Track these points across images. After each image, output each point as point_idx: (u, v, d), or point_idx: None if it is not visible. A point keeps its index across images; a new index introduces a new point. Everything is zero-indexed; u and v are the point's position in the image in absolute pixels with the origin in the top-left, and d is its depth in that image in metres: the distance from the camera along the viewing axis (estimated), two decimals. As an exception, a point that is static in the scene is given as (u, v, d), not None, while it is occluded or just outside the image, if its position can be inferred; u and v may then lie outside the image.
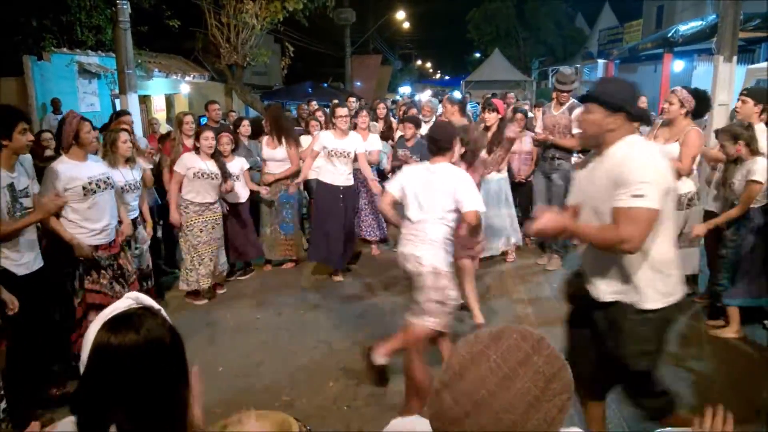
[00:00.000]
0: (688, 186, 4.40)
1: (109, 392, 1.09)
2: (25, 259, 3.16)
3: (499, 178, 5.77)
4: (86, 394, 1.12)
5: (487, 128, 5.38)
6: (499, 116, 5.37)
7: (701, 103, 4.43)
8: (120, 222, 3.98)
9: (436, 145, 3.24)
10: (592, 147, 2.43)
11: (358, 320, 4.62)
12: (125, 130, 4.50)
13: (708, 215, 4.40)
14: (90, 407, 1.11)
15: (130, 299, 1.21)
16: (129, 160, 4.38)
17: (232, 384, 3.64)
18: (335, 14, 17.36)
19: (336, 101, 5.40)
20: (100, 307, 3.46)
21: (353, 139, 5.52)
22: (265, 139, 5.89)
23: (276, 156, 5.77)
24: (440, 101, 9.35)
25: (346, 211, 5.54)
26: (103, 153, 4.31)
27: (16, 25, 10.08)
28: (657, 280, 2.27)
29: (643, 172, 2.14)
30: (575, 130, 5.35)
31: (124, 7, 7.71)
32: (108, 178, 3.78)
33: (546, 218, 2.20)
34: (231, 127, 6.44)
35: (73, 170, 3.57)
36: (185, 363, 1.18)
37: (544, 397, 0.87)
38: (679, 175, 4.39)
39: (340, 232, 5.46)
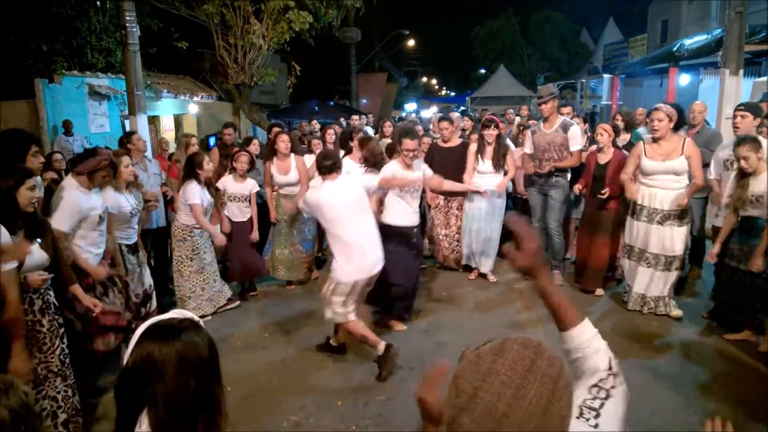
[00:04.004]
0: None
1: (146, 391, 1.18)
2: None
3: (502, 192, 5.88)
4: (125, 390, 1.21)
5: (487, 144, 5.76)
6: (498, 132, 5.74)
7: (681, 116, 4.59)
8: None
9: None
10: None
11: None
12: (127, 154, 4.49)
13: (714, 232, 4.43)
14: (127, 402, 1.21)
15: (174, 313, 1.31)
16: (129, 185, 4.35)
17: (239, 404, 3.61)
18: (340, 33, 17.55)
19: (407, 129, 4.70)
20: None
21: (419, 165, 4.84)
22: (275, 162, 5.76)
23: (290, 180, 5.77)
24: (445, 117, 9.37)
25: (418, 254, 4.96)
26: None
27: (28, 50, 10.28)
28: None
29: None
30: (573, 147, 5.43)
31: (134, 29, 7.84)
32: (104, 210, 3.84)
33: None
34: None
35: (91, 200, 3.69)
36: (219, 372, 1.29)
37: (555, 397, 0.89)
38: (696, 186, 4.49)
39: (412, 279, 4.81)
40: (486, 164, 5.75)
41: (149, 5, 11.04)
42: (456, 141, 6.12)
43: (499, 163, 5.72)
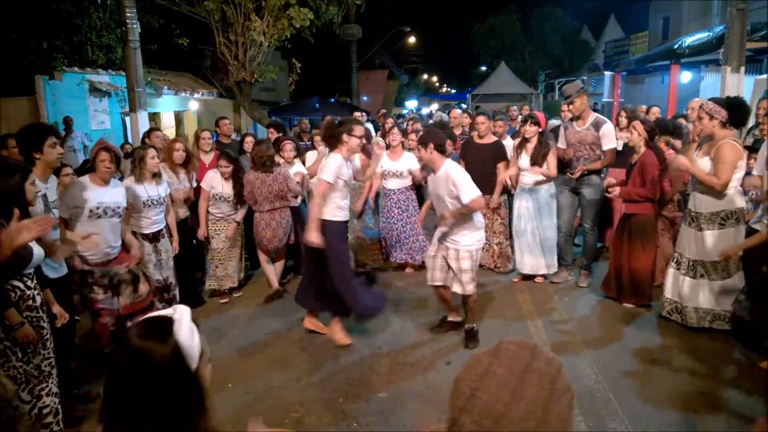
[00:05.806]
0: (739, 202, 4.15)
1: (129, 397, 1.12)
2: (59, 262, 3.37)
3: (548, 188, 5.58)
4: (111, 399, 1.15)
5: (526, 140, 5.48)
6: (540, 129, 5.43)
7: (735, 111, 4.13)
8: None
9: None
10: None
11: (369, 337, 4.58)
12: (154, 146, 4.70)
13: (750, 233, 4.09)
14: (114, 410, 1.14)
15: (172, 309, 1.24)
16: (155, 176, 4.53)
17: (241, 401, 3.62)
18: (341, 30, 17.51)
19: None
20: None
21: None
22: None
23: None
24: (448, 113, 9.42)
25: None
26: (131, 168, 4.48)
27: (28, 46, 10.28)
28: None
29: None
30: (605, 146, 5.21)
31: (134, 26, 7.84)
32: (118, 207, 3.93)
33: None
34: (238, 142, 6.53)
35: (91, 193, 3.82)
36: (198, 388, 1.18)
37: (553, 397, 0.90)
38: (715, 189, 4.12)
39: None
40: (524, 160, 5.47)
41: (150, 2, 11.03)
42: (491, 138, 5.92)
43: (537, 160, 5.38)
